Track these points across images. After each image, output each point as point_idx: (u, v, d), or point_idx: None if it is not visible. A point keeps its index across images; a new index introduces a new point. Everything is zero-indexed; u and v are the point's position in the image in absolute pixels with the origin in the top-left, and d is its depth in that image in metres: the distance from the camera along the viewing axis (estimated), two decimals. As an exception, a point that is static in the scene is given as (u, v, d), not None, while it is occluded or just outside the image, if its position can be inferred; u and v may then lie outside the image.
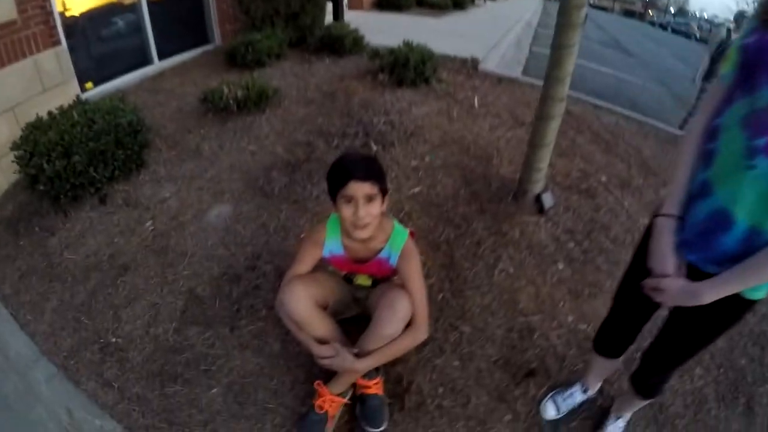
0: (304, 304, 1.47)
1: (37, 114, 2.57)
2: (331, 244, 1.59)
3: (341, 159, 1.45)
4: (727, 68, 1.01)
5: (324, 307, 1.59)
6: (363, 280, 1.72)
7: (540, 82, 4.50)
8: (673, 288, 1.02)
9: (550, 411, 1.69)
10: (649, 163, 3.41)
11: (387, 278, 1.71)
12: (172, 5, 4.12)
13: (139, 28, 3.88)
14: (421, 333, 1.51)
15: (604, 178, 3.08)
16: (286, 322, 1.53)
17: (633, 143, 3.68)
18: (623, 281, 1.37)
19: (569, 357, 1.91)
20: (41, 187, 2.36)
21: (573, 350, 1.94)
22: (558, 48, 2.12)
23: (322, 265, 1.69)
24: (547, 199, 2.56)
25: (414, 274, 1.53)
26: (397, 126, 3.16)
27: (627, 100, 5.69)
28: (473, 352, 1.88)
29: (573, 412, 1.72)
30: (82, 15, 3.36)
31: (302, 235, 2.33)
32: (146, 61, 3.96)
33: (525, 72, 5.40)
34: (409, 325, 1.49)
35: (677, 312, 1.21)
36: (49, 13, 2.96)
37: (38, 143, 2.36)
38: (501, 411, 1.70)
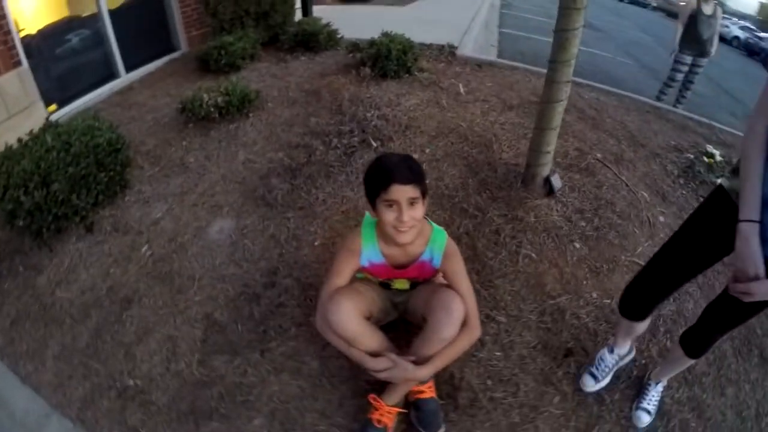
0: (353, 319, 1.37)
1: (6, 142, 2.33)
2: (369, 253, 1.50)
3: (380, 161, 1.36)
4: None
5: (367, 318, 1.50)
6: (401, 285, 1.63)
7: (519, 65, 4.54)
8: (762, 289, 1.09)
9: (589, 382, 1.71)
10: (636, 136, 3.46)
11: (426, 279, 1.63)
12: (133, 14, 3.85)
13: (101, 40, 3.61)
14: (476, 331, 1.46)
15: (599, 155, 3.10)
16: (332, 340, 1.43)
17: (617, 117, 3.72)
18: (670, 249, 1.40)
19: (600, 332, 1.93)
20: (20, 223, 2.13)
21: (603, 325, 1.96)
22: (562, 31, 2.09)
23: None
24: (556, 181, 2.55)
25: (461, 272, 1.48)
26: (390, 120, 3.06)
27: (602, 75, 5.72)
28: (513, 340, 1.86)
29: (611, 376, 1.74)
30: (40, 32, 3.09)
31: (316, 243, 2.22)
32: (112, 74, 3.69)
33: (499, 54, 5.40)
34: (462, 325, 1.42)
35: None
36: (7, 32, 2.69)
37: (12, 174, 2.13)
38: (550, 394, 1.70)
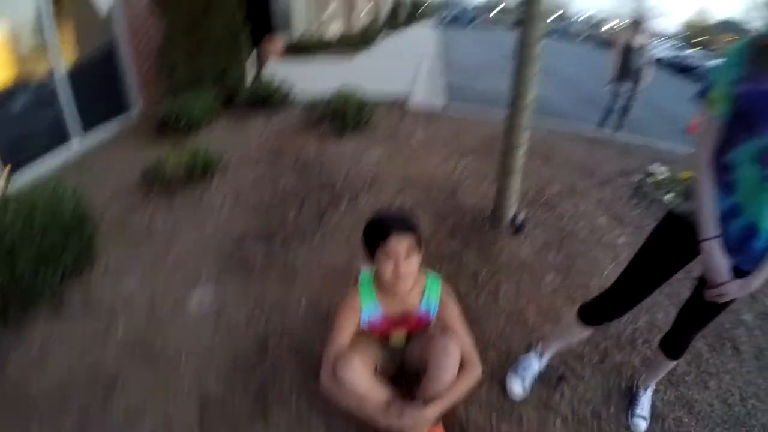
0: (363, 375, 1.41)
1: (-37, 215, 2.17)
2: (369, 308, 1.55)
3: (378, 216, 1.48)
4: (719, 110, 1.23)
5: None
6: (398, 339, 1.68)
7: (467, 111, 4.85)
8: (733, 289, 1.29)
9: (516, 387, 1.82)
10: (585, 166, 3.78)
11: (422, 329, 1.68)
12: (87, 75, 3.78)
13: (55, 102, 3.49)
14: (477, 369, 1.51)
15: (555, 189, 3.35)
16: (342, 400, 1.44)
17: (565, 151, 4.05)
18: (632, 270, 1.57)
19: (586, 354, 2.06)
20: (-17, 304, 1.99)
21: (587, 347, 2.09)
22: (519, 80, 2.29)
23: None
24: (522, 220, 2.72)
25: (457, 316, 1.57)
26: (355, 176, 3.18)
27: (545, 112, 5.80)
28: (506, 374, 1.92)
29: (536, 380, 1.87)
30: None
31: (301, 307, 2.22)
32: (67, 137, 3.55)
33: (448, 100, 5.67)
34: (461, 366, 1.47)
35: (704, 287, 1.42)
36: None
37: (-27, 250, 2.00)
38: (551, 418, 1.78)
